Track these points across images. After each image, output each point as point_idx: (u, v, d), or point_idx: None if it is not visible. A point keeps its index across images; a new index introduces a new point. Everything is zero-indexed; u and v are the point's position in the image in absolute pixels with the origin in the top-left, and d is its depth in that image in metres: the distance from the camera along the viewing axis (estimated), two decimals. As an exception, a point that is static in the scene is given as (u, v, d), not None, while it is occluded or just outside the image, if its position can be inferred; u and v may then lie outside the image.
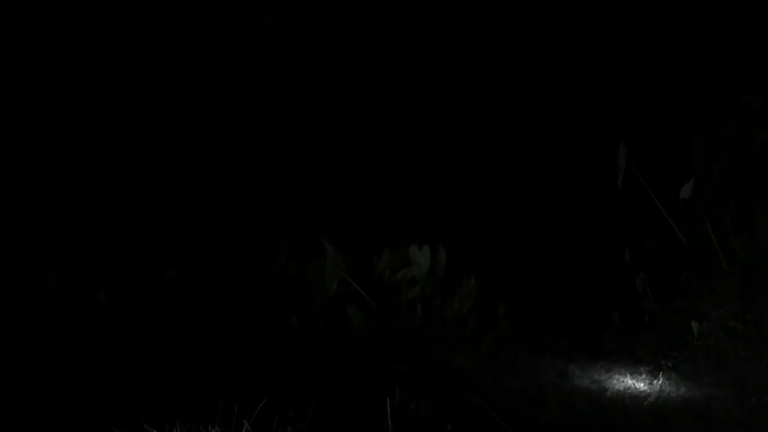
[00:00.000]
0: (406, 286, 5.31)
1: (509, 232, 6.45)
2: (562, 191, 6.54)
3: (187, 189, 6.68)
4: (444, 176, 6.79)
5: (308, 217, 6.29)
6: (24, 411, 4.34)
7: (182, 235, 6.31)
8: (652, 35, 6.43)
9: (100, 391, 4.63)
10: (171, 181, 6.69)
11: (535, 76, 6.71)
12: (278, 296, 5.33)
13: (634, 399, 4.38)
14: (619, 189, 5.24)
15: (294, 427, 4.10)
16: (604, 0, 6.53)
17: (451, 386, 4.65)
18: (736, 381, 4.41)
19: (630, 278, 5.48)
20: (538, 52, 6.69)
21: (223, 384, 4.77)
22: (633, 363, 4.88)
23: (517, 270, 6.00)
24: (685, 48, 6.29)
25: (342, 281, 5.22)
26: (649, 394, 4.43)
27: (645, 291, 5.36)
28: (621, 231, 5.91)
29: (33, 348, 5.09)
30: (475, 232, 6.32)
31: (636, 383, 4.58)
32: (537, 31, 6.66)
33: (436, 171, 6.79)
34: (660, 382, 4.57)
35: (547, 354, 4.99)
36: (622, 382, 4.61)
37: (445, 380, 4.75)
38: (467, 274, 5.43)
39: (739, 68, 5.91)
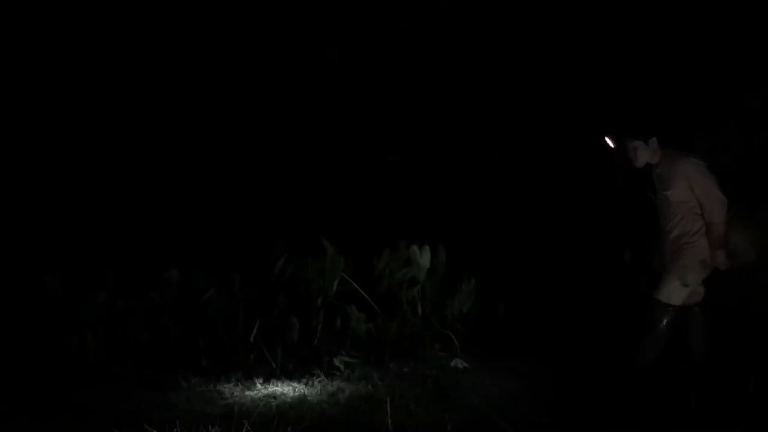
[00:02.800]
0: (406, 286, 5.31)
1: (509, 232, 6.46)
2: (563, 191, 6.55)
3: (187, 190, 6.69)
4: (445, 177, 6.80)
5: (308, 218, 6.30)
6: (24, 410, 4.35)
7: (183, 235, 6.32)
8: (652, 36, 6.44)
9: (100, 391, 4.63)
10: (171, 183, 6.70)
11: (534, 76, 6.72)
12: (278, 296, 5.33)
13: (633, 397, 4.39)
14: (619, 189, 5.25)
15: (294, 427, 4.10)
16: (605, 1, 6.54)
17: (451, 386, 4.65)
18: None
19: (630, 278, 5.49)
20: (538, 52, 6.70)
21: (223, 384, 4.78)
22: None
23: (516, 271, 6.01)
24: (686, 49, 6.30)
25: (342, 281, 5.22)
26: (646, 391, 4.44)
27: (645, 291, 5.35)
28: (621, 231, 5.92)
29: (33, 348, 5.09)
30: (475, 233, 6.33)
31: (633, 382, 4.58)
32: (537, 32, 6.67)
33: (436, 172, 6.80)
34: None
35: (546, 354, 5.00)
36: (620, 381, 4.61)
37: (445, 380, 4.75)
38: (467, 274, 5.43)
39: (739, 68, 5.91)
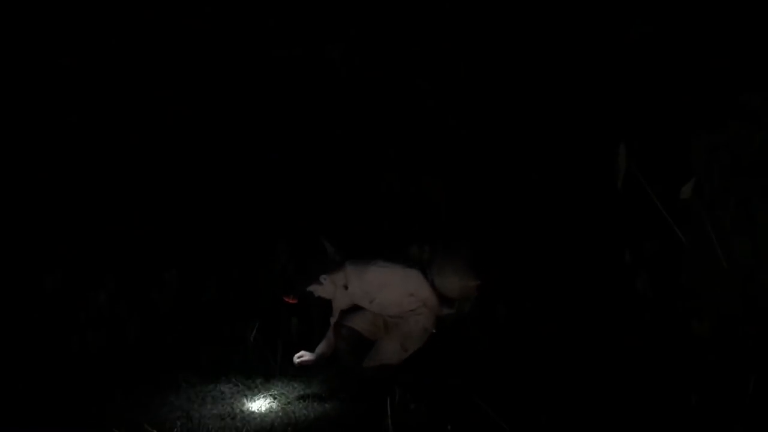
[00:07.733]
0: (406, 285, 5.29)
1: (509, 232, 6.45)
2: (563, 191, 6.55)
3: (187, 191, 6.69)
4: (444, 176, 6.79)
5: (308, 217, 6.29)
6: (24, 411, 4.35)
7: (182, 234, 6.32)
8: (652, 35, 6.44)
9: (100, 391, 4.64)
10: (171, 182, 6.70)
11: (535, 75, 6.71)
12: (278, 296, 5.33)
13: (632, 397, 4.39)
14: (619, 189, 5.24)
15: (294, 428, 4.11)
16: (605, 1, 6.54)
17: (451, 386, 4.65)
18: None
19: (630, 278, 5.48)
20: (538, 51, 6.70)
21: (223, 384, 4.78)
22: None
23: (516, 271, 6.00)
24: (686, 48, 6.30)
25: (342, 281, 5.21)
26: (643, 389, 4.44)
27: (645, 291, 5.36)
28: (621, 231, 5.91)
29: (33, 348, 5.09)
30: (475, 233, 6.32)
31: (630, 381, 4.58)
32: (537, 30, 6.67)
33: (436, 171, 6.79)
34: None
35: (546, 354, 5.00)
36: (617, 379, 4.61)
37: (445, 380, 4.75)
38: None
39: (739, 68, 5.91)
